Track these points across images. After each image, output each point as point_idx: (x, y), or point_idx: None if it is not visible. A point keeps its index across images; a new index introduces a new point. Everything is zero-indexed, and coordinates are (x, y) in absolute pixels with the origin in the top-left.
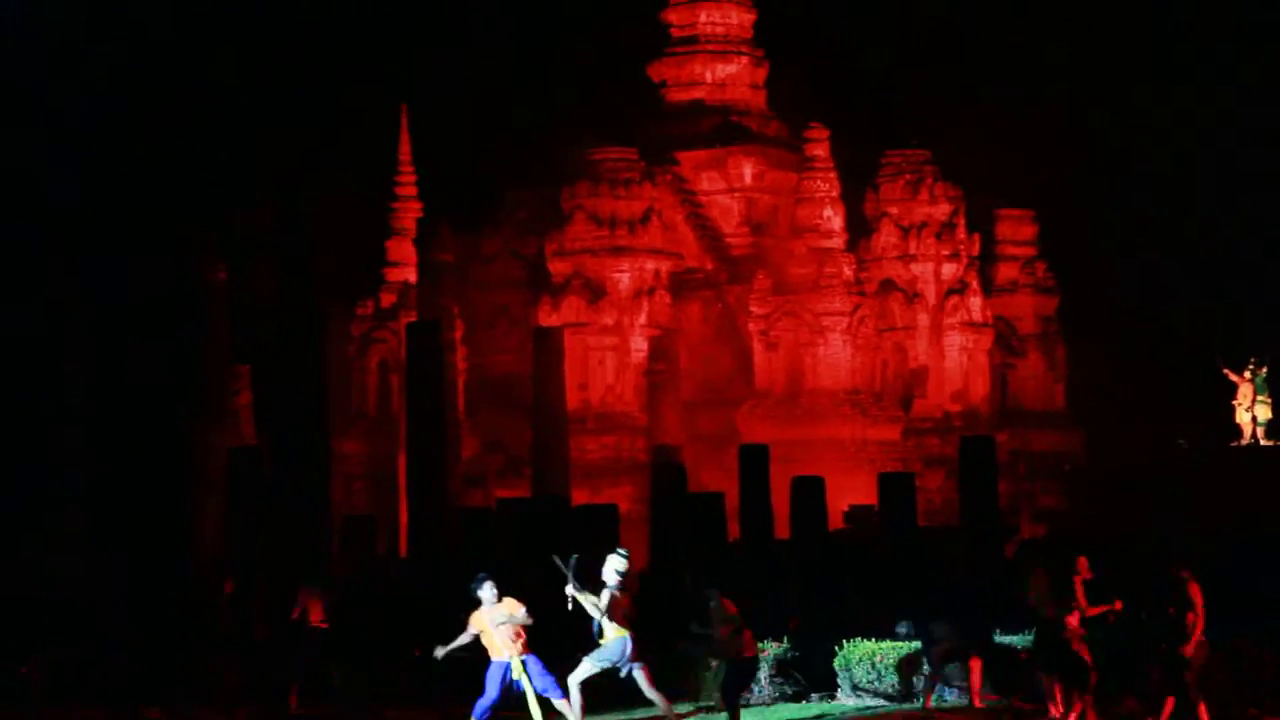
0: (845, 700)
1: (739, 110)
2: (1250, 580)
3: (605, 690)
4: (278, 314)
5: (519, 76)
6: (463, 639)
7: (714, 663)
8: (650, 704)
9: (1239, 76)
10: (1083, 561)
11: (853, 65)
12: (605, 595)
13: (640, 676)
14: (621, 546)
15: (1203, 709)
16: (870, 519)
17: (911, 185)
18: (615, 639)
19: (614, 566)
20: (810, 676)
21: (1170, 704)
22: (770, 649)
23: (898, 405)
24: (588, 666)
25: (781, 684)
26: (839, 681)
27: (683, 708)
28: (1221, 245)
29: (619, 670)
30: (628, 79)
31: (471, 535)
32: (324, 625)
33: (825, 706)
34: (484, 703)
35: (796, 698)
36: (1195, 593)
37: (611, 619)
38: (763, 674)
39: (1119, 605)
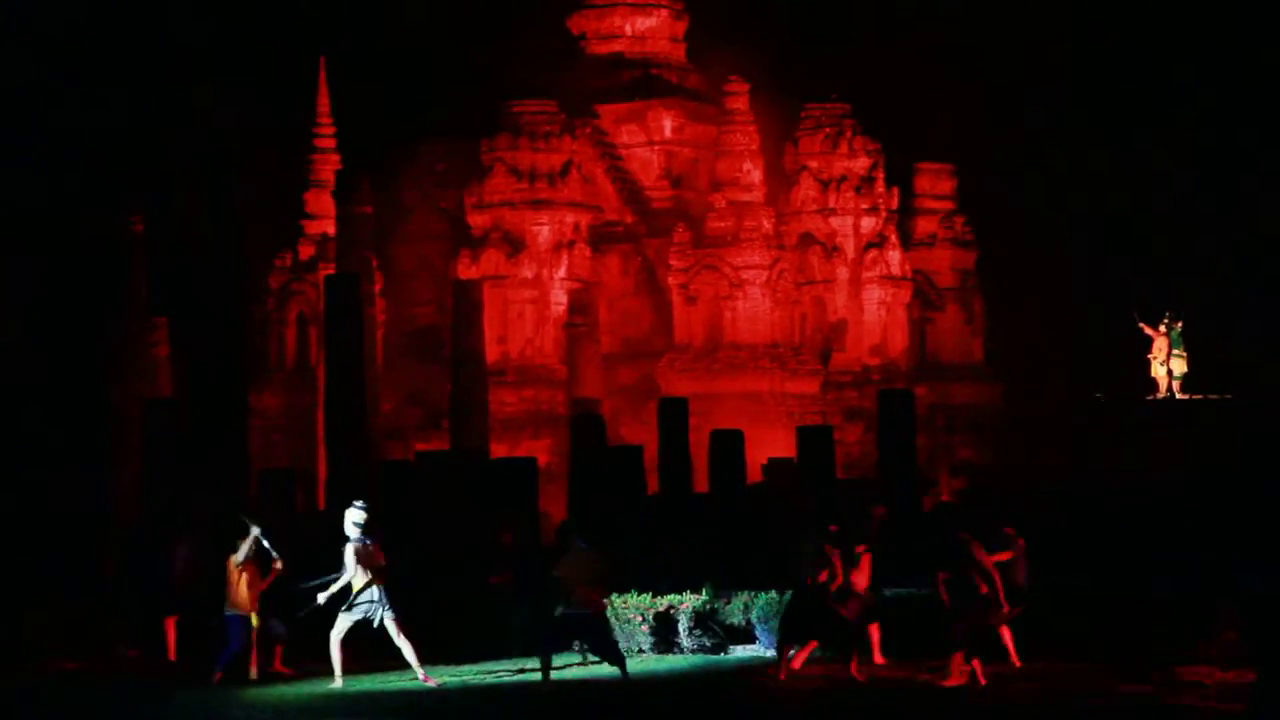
0: (765, 652)
1: (659, 63)
2: (1161, 531)
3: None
4: (196, 266)
5: (438, 28)
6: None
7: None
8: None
9: (1158, 31)
10: (834, 529)
11: (773, 19)
12: (349, 548)
13: (390, 624)
14: (359, 499)
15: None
16: (789, 472)
17: (831, 139)
18: (364, 589)
19: (352, 519)
20: (730, 629)
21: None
22: (690, 601)
23: (816, 359)
24: (343, 621)
25: (700, 636)
26: (756, 634)
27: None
28: (1138, 199)
29: (371, 621)
30: (547, 31)
31: (390, 488)
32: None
33: (738, 657)
34: (228, 652)
35: (716, 650)
36: (979, 555)
37: (361, 569)
38: (682, 626)
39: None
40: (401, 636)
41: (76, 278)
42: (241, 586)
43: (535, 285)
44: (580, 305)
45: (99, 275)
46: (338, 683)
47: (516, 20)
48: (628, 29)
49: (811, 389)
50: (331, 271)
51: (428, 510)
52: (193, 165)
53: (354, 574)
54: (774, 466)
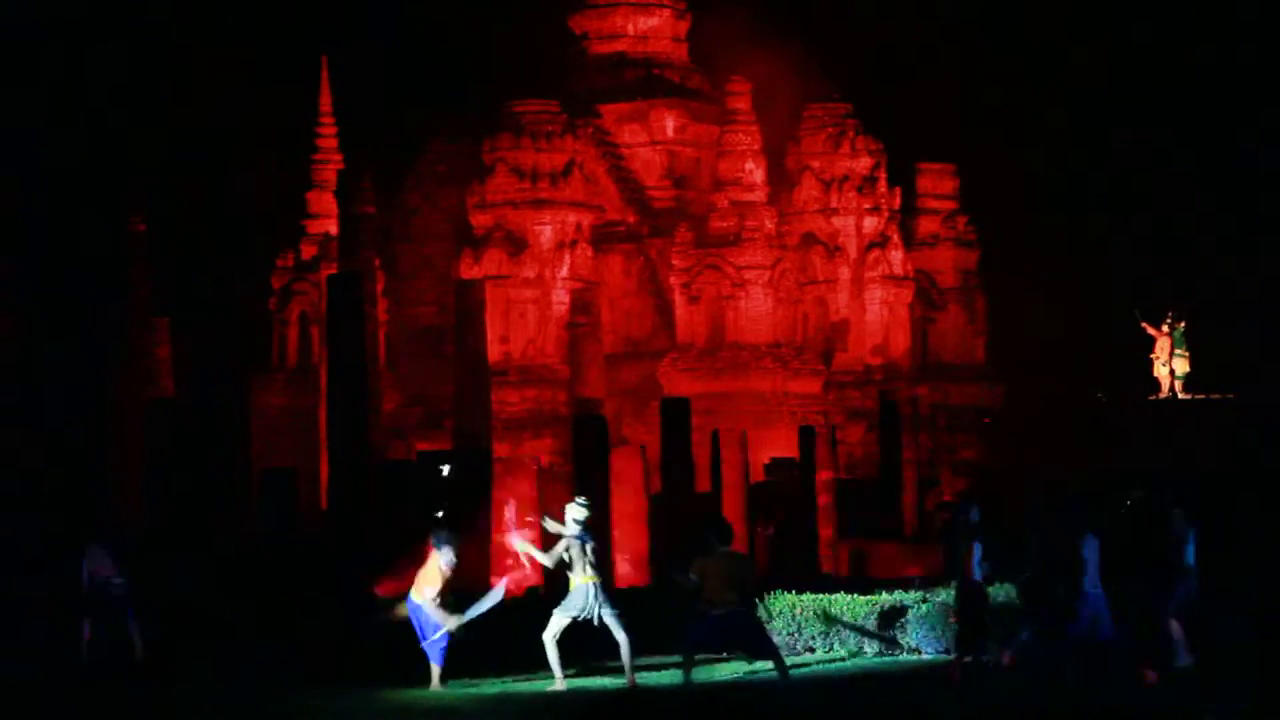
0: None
1: (661, 63)
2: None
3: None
4: (197, 266)
5: (440, 27)
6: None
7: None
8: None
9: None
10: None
11: (775, 17)
12: (564, 544)
13: (612, 620)
14: (582, 495)
15: None
16: (791, 471)
17: (833, 139)
18: (578, 586)
19: (573, 515)
20: None
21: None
22: None
23: (819, 359)
24: (557, 620)
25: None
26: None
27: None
28: (1140, 199)
29: (591, 619)
30: (549, 31)
31: (392, 487)
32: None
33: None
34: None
35: (717, 651)
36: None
37: (574, 567)
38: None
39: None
40: (621, 632)
41: (77, 278)
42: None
43: (537, 285)
44: (582, 305)
45: (100, 276)
46: (560, 684)
47: (519, 20)
48: (630, 29)
49: (814, 389)
50: (334, 271)
51: (429, 510)
52: (194, 166)
53: (577, 571)
54: (776, 466)
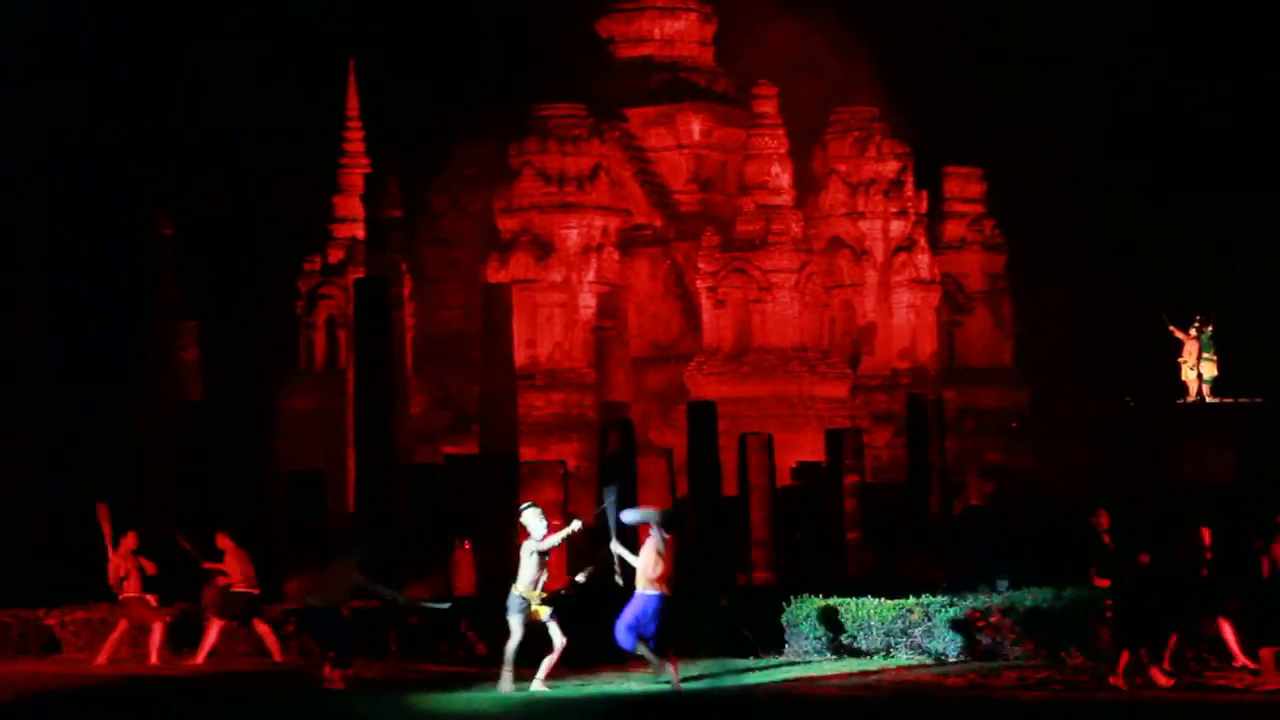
0: (790, 656)
1: (687, 67)
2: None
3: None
4: (223, 270)
5: (467, 31)
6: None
7: None
8: None
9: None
10: (1104, 516)
11: (803, 21)
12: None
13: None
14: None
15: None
16: (818, 475)
17: (859, 143)
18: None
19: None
20: (761, 633)
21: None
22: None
23: (845, 362)
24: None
25: (729, 640)
26: (786, 638)
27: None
28: (1165, 201)
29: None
30: (576, 35)
31: (419, 491)
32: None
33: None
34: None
35: (745, 654)
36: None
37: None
38: (712, 629)
39: (1144, 559)
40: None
41: (105, 282)
42: None
43: (564, 289)
44: (609, 309)
45: (127, 280)
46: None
47: (545, 24)
48: (656, 32)
49: (840, 393)
50: (361, 275)
51: (456, 514)
52: (221, 169)
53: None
54: (803, 470)
